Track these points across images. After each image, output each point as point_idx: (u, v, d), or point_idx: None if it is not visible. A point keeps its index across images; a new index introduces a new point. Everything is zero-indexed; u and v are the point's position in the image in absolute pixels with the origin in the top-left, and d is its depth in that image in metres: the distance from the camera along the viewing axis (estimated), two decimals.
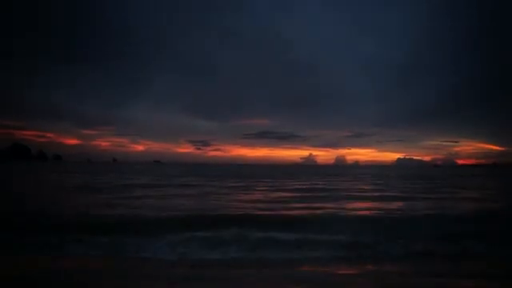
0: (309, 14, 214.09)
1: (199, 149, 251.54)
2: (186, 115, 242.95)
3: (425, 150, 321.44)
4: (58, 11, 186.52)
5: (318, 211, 13.28)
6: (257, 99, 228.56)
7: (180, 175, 45.46)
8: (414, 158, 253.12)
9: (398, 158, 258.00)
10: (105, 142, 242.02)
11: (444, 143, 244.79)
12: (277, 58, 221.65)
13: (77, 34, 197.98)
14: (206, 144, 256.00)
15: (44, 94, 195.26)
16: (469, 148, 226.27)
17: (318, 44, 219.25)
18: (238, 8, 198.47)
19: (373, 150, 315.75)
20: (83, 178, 34.30)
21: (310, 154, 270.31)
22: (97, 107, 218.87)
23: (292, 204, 15.56)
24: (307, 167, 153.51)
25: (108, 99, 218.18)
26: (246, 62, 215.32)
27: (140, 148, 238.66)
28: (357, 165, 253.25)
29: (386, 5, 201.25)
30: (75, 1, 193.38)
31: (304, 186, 26.99)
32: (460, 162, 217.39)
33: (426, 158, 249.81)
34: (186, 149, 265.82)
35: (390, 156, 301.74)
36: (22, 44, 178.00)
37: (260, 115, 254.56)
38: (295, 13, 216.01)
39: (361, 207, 15.19)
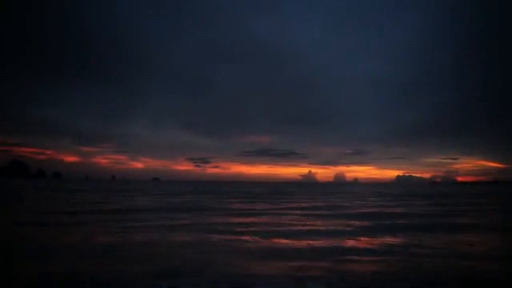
0: (309, 33, 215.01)
1: (198, 166, 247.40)
2: (185, 132, 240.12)
3: (424, 168, 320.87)
4: (57, 28, 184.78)
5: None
6: (257, 116, 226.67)
7: (187, 192, 41.40)
8: (414, 175, 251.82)
9: (398, 176, 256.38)
10: (104, 160, 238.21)
11: (443, 160, 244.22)
12: (277, 75, 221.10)
13: (76, 51, 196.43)
14: (205, 161, 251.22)
15: (43, 111, 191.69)
16: (468, 165, 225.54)
17: (319, 61, 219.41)
18: (238, 25, 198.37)
19: (372, 167, 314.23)
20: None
21: (310, 172, 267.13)
22: (96, 125, 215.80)
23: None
24: (308, 185, 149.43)
25: (107, 117, 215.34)
26: (246, 79, 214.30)
27: (139, 165, 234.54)
28: (356, 182, 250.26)
29: (388, 23, 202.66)
30: (75, 18, 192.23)
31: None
32: (459, 179, 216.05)
33: (426, 176, 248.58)
34: (185, 166, 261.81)
35: (390, 173, 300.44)
36: (21, 61, 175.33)
37: (260, 132, 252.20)
38: (296, 30, 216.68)
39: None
